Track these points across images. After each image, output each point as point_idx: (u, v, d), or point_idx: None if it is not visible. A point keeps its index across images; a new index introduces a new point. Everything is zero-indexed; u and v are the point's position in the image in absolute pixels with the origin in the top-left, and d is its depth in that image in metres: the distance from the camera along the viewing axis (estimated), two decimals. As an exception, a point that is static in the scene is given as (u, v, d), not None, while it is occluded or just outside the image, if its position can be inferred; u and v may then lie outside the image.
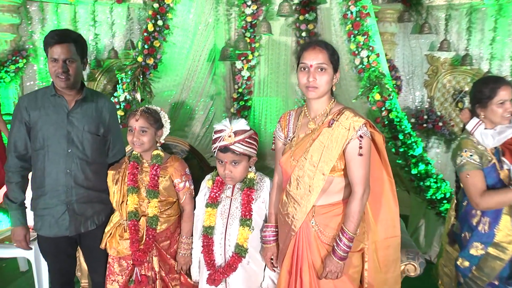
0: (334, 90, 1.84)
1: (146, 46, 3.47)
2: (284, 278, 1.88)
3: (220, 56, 4.09)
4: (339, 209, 1.79)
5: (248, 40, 4.25)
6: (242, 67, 4.46)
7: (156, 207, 2.10)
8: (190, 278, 2.20)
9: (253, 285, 2.05)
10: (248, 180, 2.04)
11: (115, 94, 3.52)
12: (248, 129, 1.97)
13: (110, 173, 2.18)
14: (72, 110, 2.09)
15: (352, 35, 3.21)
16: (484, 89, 2.04)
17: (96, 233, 2.19)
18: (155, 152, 2.17)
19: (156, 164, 2.14)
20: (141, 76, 3.48)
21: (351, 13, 3.19)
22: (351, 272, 1.82)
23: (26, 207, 2.17)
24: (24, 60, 4.78)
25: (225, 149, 1.94)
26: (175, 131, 4.65)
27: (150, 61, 3.50)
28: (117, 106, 3.51)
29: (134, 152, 2.19)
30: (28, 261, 3.34)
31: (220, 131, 1.96)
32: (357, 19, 3.16)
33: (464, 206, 2.16)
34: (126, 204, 2.12)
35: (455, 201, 2.30)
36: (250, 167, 2.06)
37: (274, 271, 2.02)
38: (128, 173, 2.14)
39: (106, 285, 2.18)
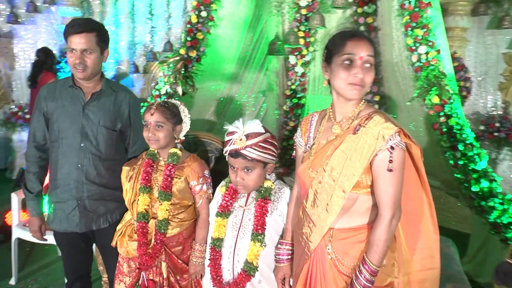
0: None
1: (189, 38, 3.31)
2: (297, 305, 1.61)
3: (268, 50, 3.83)
4: (363, 235, 1.47)
5: (303, 34, 3.94)
6: (296, 62, 4.15)
7: (167, 210, 1.91)
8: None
9: (265, 307, 1.79)
10: (264, 189, 1.78)
11: (156, 87, 3.41)
12: (263, 132, 1.71)
13: (125, 169, 2.04)
14: (89, 103, 1.99)
15: (409, 28, 2.78)
16: None
17: (109, 231, 2.07)
18: (172, 150, 1.98)
19: (171, 164, 1.95)
20: (183, 69, 3.32)
21: (409, 2, 2.75)
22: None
23: (43, 198, 2.12)
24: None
25: (236, 153, 1.69)
26: (223, 127, 4.51)
27: (193, 54, 3.34)
28: (158, 99, 3.39)
29: (151, 149, 2.02)
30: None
31: (232, 133, 1.72)
32: (416, 9, 2.72)
33: None
34: (137, 203, 1.96)
35: None
36: (268, 174, 1.80)
37: None
38: (142, 171, 1.99)
39: (114, 284, 2.05)
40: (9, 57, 4.92)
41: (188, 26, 3.31)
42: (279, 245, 1.74)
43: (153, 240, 1.92)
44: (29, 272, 3.14)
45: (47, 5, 4.70)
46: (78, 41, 1.87)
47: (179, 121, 2.01)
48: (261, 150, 1.68)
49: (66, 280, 2.21)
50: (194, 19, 3.27)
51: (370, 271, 1.39)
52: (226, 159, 1.77)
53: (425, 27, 2.70)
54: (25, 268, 3.19)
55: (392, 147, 1.37)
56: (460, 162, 2.68)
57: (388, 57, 3.62)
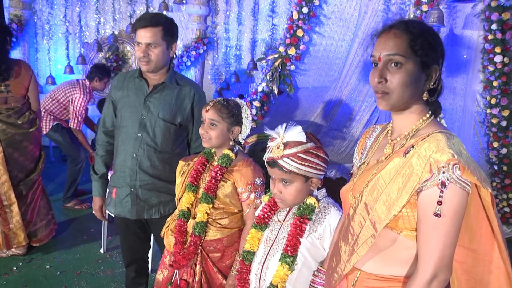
0: (426, 98, 1.16)
1: (288, 36, 3.18)
2: None
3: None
4: None
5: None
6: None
7: (206, 213, 1.80)
8: None
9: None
10: (305, 206, 1.54)
11: (255, 84, 3.38)
12: (305, 141, 1.47)
13: (181, 163, 1.98)
14: (151, 94, 2.01)
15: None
16: None
17: (161, 222, 2.06)
18: (225, 151, 1.84)
19: (220, 166, 1.83)
20: (281, 67, 3.21)
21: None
22: None
23: (107, 180, 2.24)
24: (205, 47, 5.18)
25: (272, 162, 1.49)
26: (331, 131, 4.27)
27: (292, 52, 3.20)
28: (254, 97, 3.36)
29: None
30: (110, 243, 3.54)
31: (272, 139, 1.52)
32: None
33: None
34: (182, 200, 1.92)
35: None
36: (313, 189, 1.56)
37: None
38: (194, 169, 1.93)
39: (157, 273, 2.06)
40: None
41: (289, 22, 3.18)
42: (316, 272, 1.49)
43: (188, 241, 1.85)
44: (117, 245, 3.36)
45: (177, 4, 5.11)
46: (144, 35, 1.91)
47: (238, 122, 1.85)
48: (300, 161, 1.45)
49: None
50: (295, 16, 3.12)
51: None
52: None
53: None
54: (115, 240, 3.44)
55: (443, 184, 1.01)
56: None
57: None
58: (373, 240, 1.12)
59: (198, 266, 1.85)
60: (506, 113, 3.14)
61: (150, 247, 2.36)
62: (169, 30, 1.97)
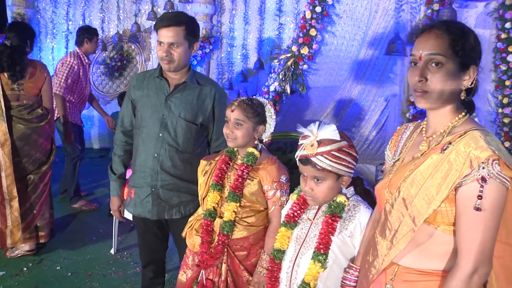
0: (464, 97, 1.20)
1: (301, 35, 3.21)
2: None
3: (386, 49, 3.49)
4: (434, 283, 1.16)
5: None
6: (422, 64, 3.72)
7: (234, 211, 1.82)
8: None
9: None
10: (335, 204, 1.57)
11: (266, 84, 3.41)
12: (338, 140, 1.51)
13: (202, 162, 2.01)
14: (172, 94, 2.02)
15: None
16: None
17: (182, 223, 2.08)
18: (250, 150, 1.86)
19: (245, 164, 1.85)
20: (293, 67, 3.25)
21: None
22: None
23: (125, 180, 2.25)
24: (211, 47, 5.21)
25: (306, 160, 1.52)
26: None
27: (305, 51, 3.23)
28: (266, 96, 3.39)
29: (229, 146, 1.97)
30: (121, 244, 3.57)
31: (305, 137, 1.55)
32: None
33: None
34: (207, 200, 1.94)
35: None
36: (343, 187, 1.60)
37: None
38: (217, 168, 1.95)
39: (178, 275, 2.08)
40: (146, 49, 5.56)
41: (302, 22, 3.21)
42: (347, 269, 1.52)
43: (215, 240, 1.87)
44: (128, 245, 3.41)
45: (183, 3, 5.14)
46: (166, 35, 1.92)
47: (262, 121, 1.88)
48: (333, 159, 1.48)
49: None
50: (308, 15, 3.15)
51: None
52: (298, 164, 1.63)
53: None
54: (125, 241, 3.47)
55: (483, 179, 1.05)
56: None
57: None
58: (412, 235, 1.15)
59: (224, 265, 1.87)
60: (517, 115, 3.19)
61: (168, 247, 2.37)
62: (191, 29, 1.99)
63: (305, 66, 3.28)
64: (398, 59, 3.92)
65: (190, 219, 2.05)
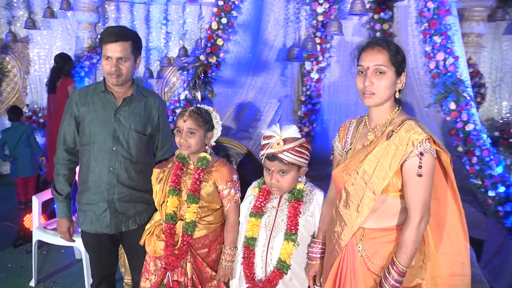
0: (398, 97, 1.64)
1: (209, 45, 3.46)
2: (326, 301, 1.73)
3: (287, 56, 3.99)
4: (392, 236, 1.56)
5: (319, 41, 4.10)
6: (312, 68, 4.32)
7: (194, 212, 1.99)
8: None
9: (293, 304, 1.91)
10: (297, 191, 1.90)
11: (176, 92, 3.56)
12: (299, 137, 1.83)
13: (155, 171, 2.13)
14: (120, 107, 2.07)
15: (427, 35, 2.92)
16: None
17: (137, 232, 2.15)
18: (202, 154, 2.06)
19: (201, 168, 2.03)
20: (203, 75, 3.48)
21: (428, 10, 2.90)
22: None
23: (71, 200, 2.20)
24: (98, 57, 5.07)
25: (273, 157, 1.81)
26: (239, 132, 4.62)
27: (213, 60, 3.49)
28: (177, 104, 3.55)
29: (181, 153, 2.12)
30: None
31: (269, 137, 1.84)
32: (435, 16, 2.86)
33: None
34: (166, 205, 2.07)
35: None
36: (300, 177, 1.93)
37: None
38: (172, 174, 2.09)
39: (140, 282, 2.14)
40: (25, 61, 5.10)
41: (209, 32, 3.46)
42: (312, 244, 1.86)
43: (179, 241, 2.00)
44: (48, 274, 3.22)
45: (64, 10, 4.87)
46: (114, 49, 1.95)
47: (211, 127, 2.08)
48: (297, 154, 1.80)
49: (91, 281, 2.30)
50: (214, 26, 3.42)
51: (398, 271, 1.49)
52: (262, 162, 1.90)
53: (444, 34, 2.85)
54: (43, 270, 3.26)
55: (421, 153, 1.46)
56: (477, 167, 2.82)
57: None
58: (373, 203, 1.54)
59: (189, 264, 2.02)
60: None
61: (117, 262, 2.40)
62: (136, 44, 2.06)
63: (213, 74, 3.53)
64: (288, 64, 4.47)
65: (147, 226, 2.14)
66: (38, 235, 3.03)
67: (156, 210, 2.19)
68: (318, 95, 4.53)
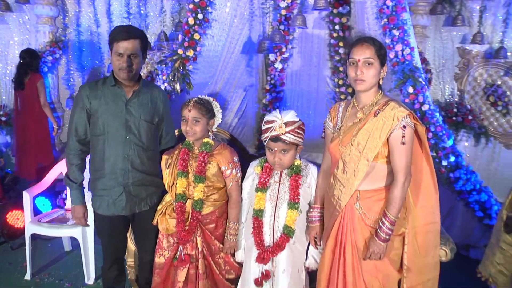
0: (381, 83, 2.03)
1: (186, 39, 3.70)
2: (328, 256, 2.10)
3: (258, 48, 4.30)
4: (382, 195, 1.98)
5: (282, 33, 4.46)
6: (276, 59, 4.67)
7: (201, 191, 2.29)
8: (234, 260, 2.43)
9: (298, 263, 2.26)
10: (296, 166, 2.26)
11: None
12: (297, 120, 2.19)
13: (164, 157, 2.41)
14: (130, 100, 2.30)
15: (387, 29, 3.39)
16: None
17: (148, 213, 2.43)
18: (205, 140, 2.36)
19: (205, 152, 2.33)
20: (181, 68, 3.71)
21: (387, 7, 3.36)
22: (392, 254, 2.01)
23: (84, 187, 2.42)
24: (61, 51, 5.08)
25: (276, 138, 2.15)
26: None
27: (190, 53, 3.73)
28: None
29: (186, 139, 2.40)
30: (72, 242, 3.67)
31: (271, 121, 2.17)
32: (393, 13, 3.33)
33: None
34: (176, 186, 2.34)
35: None
36: (297, 154, 2.29)
37: (317, 248, 2.24)
38: (180, 159, 2.37)
39: (155, 258, 2.42)
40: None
41: (186, 27, 3.70)
42: (311, 209, 2.23)
43: (189, 218, 2.31)
44: (40, 268, 3.37)
45: (20, 3, 4.81)
46: (126, 47, 2.17)
47: (213, 116, 2.39)
48: (296, 135, 2.16)
49: (91, 270, 2.51)
50: (191, 21, 3.66)
51: (390, 221, 1.91)
52: (265, 143, 2.23)
53: (401, 28, 3.32)
54: (34, 264, 3.38)
55: (404, 126, 1.88)
56: (432, 141, 3.34)
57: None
58: (367, 168, 1.93)
59: (199, 238, 2.34)
60: (350, 90, 4.43)
61: (127, 245, 2.63)
62: (144, 41, 2.30)
63: (191, 67, 3.78)
64: (253, 56, 4.78)
65: (159, 207, 2.41)
66: (32, 229, 3.17)
67: (164, 192, 2.47)
68: (281, 83, 4.89)
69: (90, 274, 3.20)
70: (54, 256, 3.59)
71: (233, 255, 2.44)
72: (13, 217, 3.69)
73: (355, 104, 2.08)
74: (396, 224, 1.94)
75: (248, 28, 4.59)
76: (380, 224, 1.93)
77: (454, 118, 4.60)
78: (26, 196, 3.21)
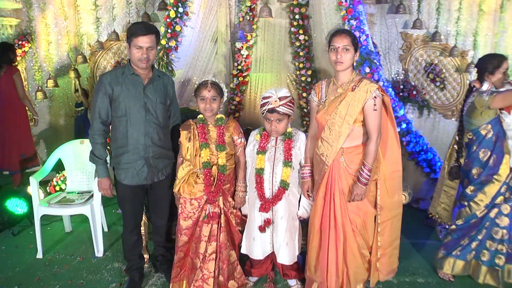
0: (355, 65, 2.69)
1: (169, 31, 4.16)
2: (320, 202, 2.74)
3: (231, 38, 4.84)
4: (360, 150, 2.64)
5: (250, 23, 5.02)
6: (242, 46, 5.24)
7: (224, 158, 2.83)
8: (241, 213, 3.03)
9: (292, 212, 2.89)
10: (288, 133, 2.87)
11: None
12: (289, 95, 2.80)
13: (183, 132, 2.84)
14: (146, 86, 2.77)
15: (346, 20, 4.08)
16: (493, 61, 2.99)
17: (164, 182, 2.94)
18: (219, 116, 2.86)
19: (220, 125, 2.84)
20: (165, 57, 4.18)
21: (345, 1, 4.05)
22: (369, 196, 2.70)
23: (107, 163, 2.87)
24: (29, 44, 5.28)
25: (272, 110, 2.75)
26: (183, 105, 5.38)
27: (173, 44, 4.21)
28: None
29: (199, 116, 2.87)
30: (72, 223, 4.05)
31: (268, 97, 2.76)
32: (351, 6, 4.02)
33: (475, 150, 3.07)
34: (200, 156, 2.80)
35: (456, 147, 3.26)
36: (289, 123, 2.90)
37: (309, 199, 2.89)
38: (199, 133, 2.82)
39: (179, 221, 2.89)
40: None
41: (168, 20, 4.16)
42: (302, 168, 2.86)
43: (216, 180, 2.80)
44: (47, 248, 3.71)
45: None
46: (145, 41, 2.63)
47: (223, 95, 2.89)
48: (288, 107, 2.76)
49: (100, 244, 3.12)
50: (172, 14, 4.14)
51: (368, 168, 2.58)
52: (263, 115, 2.81)
53: (357, 19, 4.02)
54: (49, 240, 3.76)
55: (375, 97, 2.53)
56: (387, 113, 4.11)
57: (319, 39, 4.94)
58: (348, 130, 2.58)
59: (220, 198, 2.87)
60: (309, 72, 5.12)
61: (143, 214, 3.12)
62: (158, 36, 2.77)
63: (173, 56, 4.26)
64: (221, 44, 5.32)
65: (180, 176, 2.86)
66: (42, 211, 3.52)
67: (174, 164, 2.97)
68: (247, 69, 5.49)
69: (99, 247, 3.61)
70: (57, 238, 3.94)
71: (240, 210, 3.01)
72: (13, 205, 3.99)
73: (335, 82, 2.72)
74: (371, 172, 2.62)
75: (215, 18, 5.12)
76: (360, 171, 2.60)
77: (401, 94, 5.43)
78: (33, 181, 3.54)
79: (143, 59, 2.68)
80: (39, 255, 3.58)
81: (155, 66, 4.12)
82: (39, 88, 5.67)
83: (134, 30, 2.68)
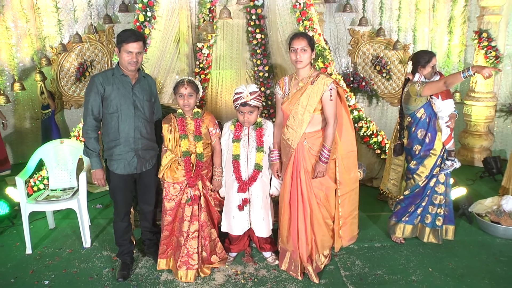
0: (312, 62, 3.26)
1: (138, 34, 4.56)
2: (288, 181, 3.30)
3: (194, 38, 5.29)
4: (320, 134, 3.22)
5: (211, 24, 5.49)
6: (203, 46, 5.72)
7: (201, 147, 3.34)
8: (219, 195, 3.55)
9: (265, 191, 3.44)
10: (259, 123, 3.41)
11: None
12: (258, 90, 3.34)
13: (165, 125, 3.32)
14: (134, 85, 3.21)
15: (300, 21, 4.67)
16: (425, 57, 3.62)
17: (151, 171, 3.39)
18: (195, 110, 3.37)
19: (199, 118, 3.36)
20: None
21: (299, 4, 4.64)
22: (330, 173, 3.28)
23: (100, 155, 3.28)
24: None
25: (244, 104, 3.28)
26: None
27: (142, 46, 4.60)
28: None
29: (179, 111, 3.36)
30: (55, 220, 4.38)
31: (240, 92, 3.29)
32: (304, 8, 4.62)
33: (414, 130, 3.69)
34: (180, 146, 3.30)
35: (398, 128, 3.90)
36: (258, 115, 3.44)
37: (279, 179, 3.45)
38: (179, 125, 3.31)
39: (164, 203, 3.35)
40: None
41: (137, 24, 4.57)
42: (271, 152, 3.41)
43: (194, 167, 3.32)
44: (34, 244, 3.96)
45: None
46: (135, 47, 3.05)
47: (198, 91, 3.39)
48: (258, 100, 3.31)
49: (87, 236, 3.51)
50: (141, 18, 4.55)
51: (327, 149, 3.16)
52: (236, 108, 3.34)
53: (310, 20, 4.62)
54: (38, 232, 4.01)
55: (331, 89, 3.11)
56: (340, 102, 4.75)
57: (274, 38, 5.52)
58: (309, 118, 3.15)
59: (200, 182, 3.38)
60: (266, 67, 5.69)
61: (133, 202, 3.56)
62: (145, 42, 3.23)
63: (144, 57, 4.65)
64: (183, 43, 5.75)
65: (164, 163, 3.33)
66: (30, 208, 3.81)
67: (159, 155, 3.44)
68: (208, 66, 5.95)
69: (86, 239, 3.96)
70: (42, 234, 4.21)
71: (218, 193, 3.53)
72: (-6, 205, 4.27)
73: (296, 77, 3.28)
74: (330, 152, 3.21)
75: (177, 20, 5.55)
76: (321, 152, 3.18)
77: (351, 85, 6.13)
78: (19, 180, 3.83)
79: (133, 63, 3.12)
80: (28, 251, 3.82)
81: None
82: (1, 92, 5.84)
83: (124, 37, 3.09)
